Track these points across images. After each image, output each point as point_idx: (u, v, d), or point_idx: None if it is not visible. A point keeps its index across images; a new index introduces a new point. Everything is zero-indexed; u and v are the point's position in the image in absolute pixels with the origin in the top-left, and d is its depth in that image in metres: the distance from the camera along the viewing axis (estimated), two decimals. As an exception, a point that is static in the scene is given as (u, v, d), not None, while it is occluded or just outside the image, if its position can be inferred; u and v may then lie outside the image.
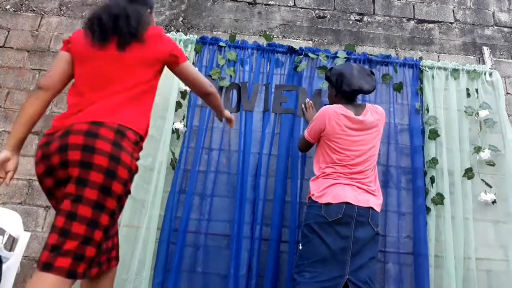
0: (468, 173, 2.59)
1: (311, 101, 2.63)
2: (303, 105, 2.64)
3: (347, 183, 1.96)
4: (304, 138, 2.22)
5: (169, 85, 2.63)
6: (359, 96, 2.39)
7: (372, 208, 1.94)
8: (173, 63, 1.62)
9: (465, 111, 2.74)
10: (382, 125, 2.16)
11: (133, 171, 1.47)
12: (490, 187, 2.59)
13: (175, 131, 2.59)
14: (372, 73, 2.18)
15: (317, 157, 2.13)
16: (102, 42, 1.49)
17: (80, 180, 1.34)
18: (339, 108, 2.09)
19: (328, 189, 1.96)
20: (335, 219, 1.88)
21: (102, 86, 1.48)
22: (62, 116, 1.48)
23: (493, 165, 2.64)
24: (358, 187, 1.97)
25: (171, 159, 2.55)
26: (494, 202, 2.58)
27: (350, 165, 2.00)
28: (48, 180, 1.45)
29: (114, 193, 1.38)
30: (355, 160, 2.01)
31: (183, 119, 2.64)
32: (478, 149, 2.66)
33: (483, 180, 2.60)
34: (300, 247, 1.96)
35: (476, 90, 2.82)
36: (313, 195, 2.00)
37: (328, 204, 1.91)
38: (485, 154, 2.63)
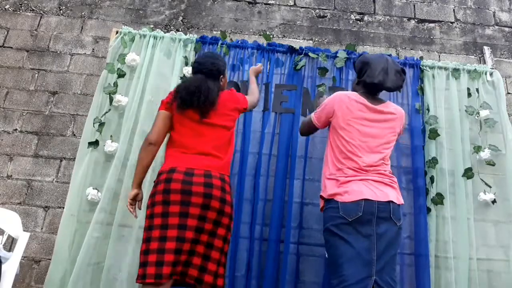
0: (468, 173, 2.58)
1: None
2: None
3: (361, 178, 1.84)
4: (311, 120, 2.10)
5: (166, 86, 2.63)
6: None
7: (392, 201, 1.82)
8: (243, 110, 2.17)
9: (465, 111, 2.74)
10: (398, 124, 2.03)
11: None
12: (490, 187, 2.58)
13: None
14: (404, 71, 2.05)
15: (327, 155, 2.01)
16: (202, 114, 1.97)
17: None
18: (352, 94, 2.00)
19: (342, 187, 1.84)
20: (355, 218, 1.75)
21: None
22: None
23: (493, 164, 2.63)
24: (373, 180, 1.85)
25: None
26: (494, 201, 2.57)
27: (361, 158, 1.88)
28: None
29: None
30: (366, 153, 1.89)
31: None
32: (478, 149, 2.65)
33: (482, 180, 2.60)
34: (326, 255, 1.84)
35: (477, 90, 2.81)
36: (327, 195, 1.89)
37: (345, 203, 1.79)
38: (485, 154, 2.63)
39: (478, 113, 2.73)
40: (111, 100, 2.58)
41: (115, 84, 2.61)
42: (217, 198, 1.82)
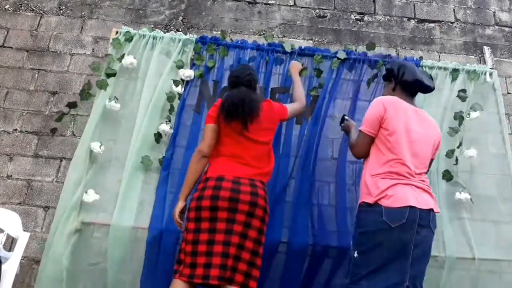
0: (447, 175, 2.58)
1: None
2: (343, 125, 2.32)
3: (406, 183, 1.80)
4: (362, 133, 1.95)
5: (162, 86, 2.62)
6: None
7: (432, 210, 1.82)
8: (282, 121, 2.31)
9: (454, 117, 2.72)
10: (437, 134, 2.01)
11: None
12: (464, 187, 2.56)
13: (161, 134, 2.55)
14: (431, 77, 2.09)
15: (370, 155, 1.93)
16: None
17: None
18: (396, 98, 1.96)
19: (387, 190, 1.79)
20: (398, 225, 1.71)
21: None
22: None
23: (469, 170, 2.62)
24: (416, 186, 1.82)
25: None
26: (471, 200, 2.55)
27: (408, 164, 1.83)
28: None
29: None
30: (412, 159, 1.85)
31: (169, 121, 2.59)
32: (451, 154, 2.64)
33: (457, 182, 2.58)
34: (356, 255, 1.78)
35: (473, 91, 2.81)
36: (368, 197, 1.83)
37: (389, 208, 1.74)
38: (471, 153, 2.61)
39: (469, 114, 2.72)
40: (84, 96, 2.62)
41: (100, 83, 2.61)
42: (261, 207, 1.94)
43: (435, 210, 1.84)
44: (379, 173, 1.84)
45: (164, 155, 2.51)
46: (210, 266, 1.82)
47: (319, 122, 2.62)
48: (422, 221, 1.75)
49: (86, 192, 2.37)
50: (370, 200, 1.81)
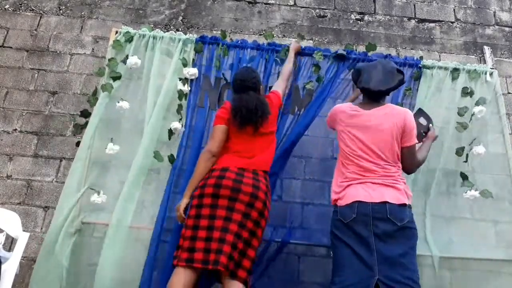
0: (463, 176, 2.57)
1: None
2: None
3: (358, 182, 1.92)
4: None
5: (168, 86, 2.62)
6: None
7: (387, 202, 1.83)
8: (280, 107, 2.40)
9: (458, 112, 2.71)
10: (395, 125, 1.97)
11: None
12: (473, 184, 2.53)
13: (173, 131, 2.56)
14: (399, 71, 2.06)
15: (336, 165, 2.11)
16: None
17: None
18: (347, 104, 2.14)
19: (340, 193, 1.95)
20: (351, 220, 1.84)
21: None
22: None
23: (470, 170, 2.60)
24: (372, 182, 1.90)
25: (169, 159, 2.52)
26: (490, 197, 2.53)
27: (362, 164, 1.94)
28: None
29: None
30: (368, 158, 1.94)
31: (180, 119, 2.61)
32: (461, 151, 2.63)
33: (464, 179, 2.56)
34: (331, 254, 1.96)
35: (474, 90, 2.81)
36: (332, 202, 2.01)
37: (341, 206, 1.91)
38: (479, 150, 2.61)
39: (474, 114, 2.70)
40: (92, 103, 2.58)
41: (105, 87, 2.60)
42: (261, 200, 1.98)
43: (394, 202, 1.83)
44: (338, 182, 2.01)
45: (172, 152, 2.51)
46: (209, 251, 1.87)
47: (309, 118, 2.59)
48: (377, 214, 1.81)
49: (98, 193, 2.35)
50: (332, 205, 2.00)
